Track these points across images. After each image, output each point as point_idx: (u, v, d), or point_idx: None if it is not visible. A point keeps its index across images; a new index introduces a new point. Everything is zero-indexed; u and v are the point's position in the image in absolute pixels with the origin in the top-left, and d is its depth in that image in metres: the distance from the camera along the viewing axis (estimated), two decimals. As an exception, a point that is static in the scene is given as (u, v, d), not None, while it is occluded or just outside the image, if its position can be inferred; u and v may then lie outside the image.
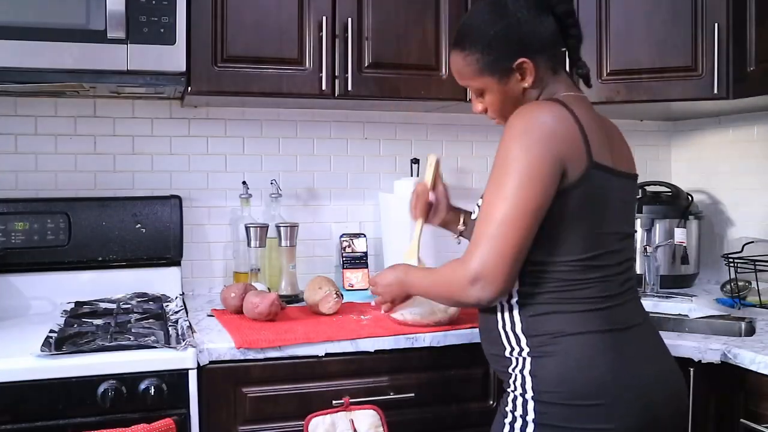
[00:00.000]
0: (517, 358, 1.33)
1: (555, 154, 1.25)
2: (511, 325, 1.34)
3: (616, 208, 1.35)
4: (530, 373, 1.30)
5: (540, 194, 1.24)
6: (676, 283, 2.43)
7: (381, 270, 1.68)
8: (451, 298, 1.37)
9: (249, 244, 2.15)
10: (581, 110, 1.33)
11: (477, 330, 1.78)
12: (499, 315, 1.36)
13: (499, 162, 1.28)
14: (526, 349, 1.31)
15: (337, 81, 2.04)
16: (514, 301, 1.34)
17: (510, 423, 1.31)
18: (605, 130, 1.39)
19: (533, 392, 1.28)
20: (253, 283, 2.06)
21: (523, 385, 1.30)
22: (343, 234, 2.41)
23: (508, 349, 1.35)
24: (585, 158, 1.27)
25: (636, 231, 1.52)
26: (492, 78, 1.39)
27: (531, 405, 1.28)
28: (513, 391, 1.32)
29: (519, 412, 1.30)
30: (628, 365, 1.29)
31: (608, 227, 1.33)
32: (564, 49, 1.44)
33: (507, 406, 1.33)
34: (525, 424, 1.28)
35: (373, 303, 1.76)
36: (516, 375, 1.32)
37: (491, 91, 1.42)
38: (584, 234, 1.30)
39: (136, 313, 1.91)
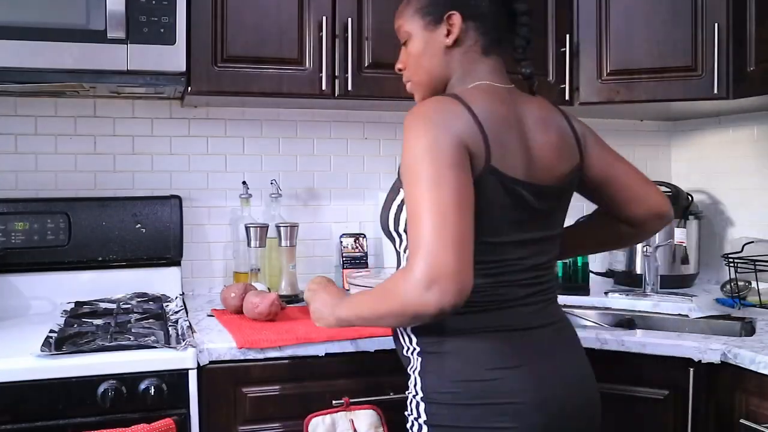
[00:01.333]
0: (410, 357, 1.31)
1: (455, 135, 1.17)
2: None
3: (512, 218, 1.25)
4: (419, 373, 1.28)
5: (457, 172, 1.14)
6: (676, 283, 2.43)
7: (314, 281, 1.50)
8: (403, 315, 1.14)
9: (249, 244, 2.16)
10: (486, 104, 1.25)
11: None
12: None
13: (404, 167, 1.19)
14: (417, 349, 1.29)
15: (337, 81, 2.04)
16: None
17: (410, 427, 1.29)
18: (520, 127, 1.29)
19: (422, 393, 1.26)
20: (253, 283, 2.06)
21: (415, 386, 1.29)
22: (343, 234, 2.41)
23: (405, 347, 1.33)
24: (482, 159, 1.19)
25: (558, 231, 1.36)
26: (422, 21, 1.36)
27: (422, 406, 1.26)
28: (409, 394, 1.31)
29: (414, 414, 1.28)
30: (521, 366, 1.23)
31: (497, 236, 1.24)
32: (507, 42, 1.37)
33: (406, 410, 1.31)
34: (420, 426, 1.26)
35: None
36: (412, 376, 1.31)
37: (416, 37, 1.37)
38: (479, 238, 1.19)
39: (136, 313, 1.92)
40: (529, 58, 1.38)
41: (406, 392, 1.32)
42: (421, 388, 1.27)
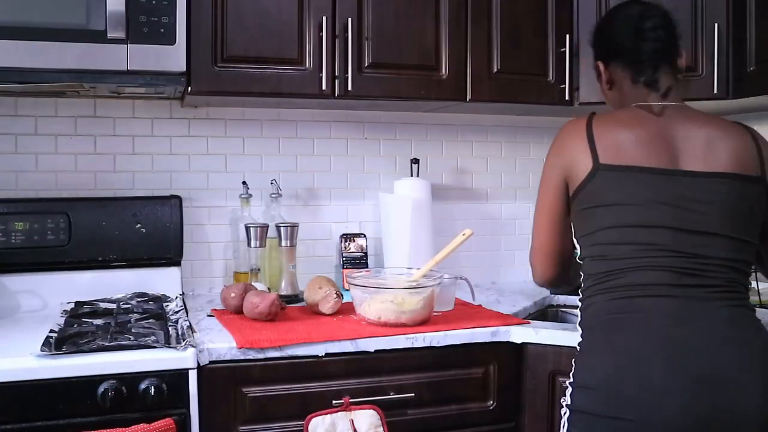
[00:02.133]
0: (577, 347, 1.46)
1: (560, 161, 1.49)
2: (578, 320, 1.49)
3: (647, 202, 1.38)
4: (574, 361, 1.41)
5: (549, 197, 1.51)
6: (676, 283, 2.42)
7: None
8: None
9: (249, 244, 2.16)
10: (617, 119, 1.48)
11: (477, 330, 1.80)
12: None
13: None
14: (580, 339, 1.44)
15: (337, 81, 2.04)
16: (579, 298, 1.49)
17: (563, 413, 1.40)
18: (662, 135, 1.43)
19: (572, 378, 1.39)
20: (253, 283, 2.06)
21: (570, 373, 1.41)
22: (343, 234, 2.41)
23: (578, 339, 1.46)
24: (590, 161, 1.43)
25: (725, 233, 1.38)
26: (595, 74, 1.66)
27: (569, 390, 1.38)
28: (566, 381, 1.43)
29: (567, 400, 1.39)
30: (675, 365, 1.28)
31: (638, 220, 1.37)
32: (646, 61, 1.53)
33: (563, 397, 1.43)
34: (566, 410, 1.39)
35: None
36: (572, 366, 1.43)
37: (602, 76, 1.65)
38: (608, 227, 1.40)
39: (136, 313, 1.92)
40: (653, 68, 1.52)
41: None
42: (573, 374, 1.40)
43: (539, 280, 1.60)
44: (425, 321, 1.84)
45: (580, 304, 1.48)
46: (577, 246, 1.51)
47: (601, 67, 1.61)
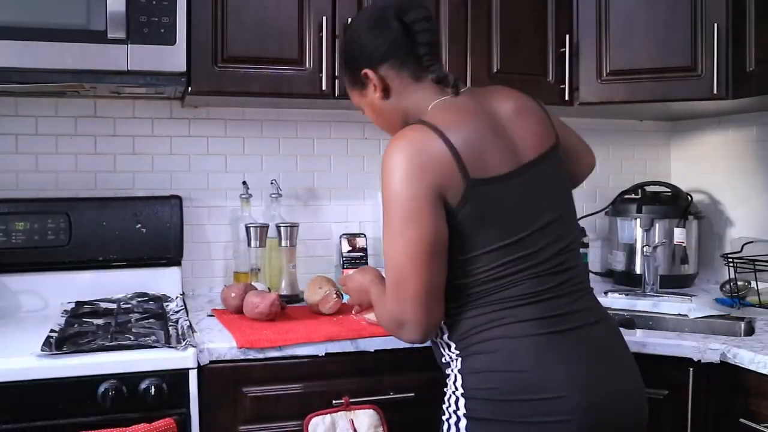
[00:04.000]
0: (450, 360, 1.36)
1: (428, 184, 1.24)
2: (440, 333, 1.37)
3: (519, 211, 1.30)
4: (459, 371, 1.31)
5: (426, 228, 1.24)
6: (675, 283, 2.43)
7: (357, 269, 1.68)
8: (390, 331, 1.35)
9: (249, 244, 2.16)
10: (453, 120, 1.30)
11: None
12: None
13: (383, 202, 1.28)
14: (456, 352, 1.33)
15: (337, 81, 2.04)
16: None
17: (447, 420, 1.33)
18: (492, 124, 1.33)
19: (462, 389, 1.30)
20: (253, 283, 2.06)
21: (455, 383, 1.32)
22: (343, 234, 2.41)
23: (444, 355, 1.38)
24: (461, 180, 1.25)
25: (567, 213, 1.38)
26: (355, 91, 1.47)
27: (462, 401, 1.29)
28: (448, 390, 1.34)
29: (453, 408, 1.31)
30: (563, 362, 1.25)
31: (515, 234, 1.29)
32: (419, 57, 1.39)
33: (444, 404, 1.35)
34: (458, 419, 1.30)
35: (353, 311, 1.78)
36: (450, 374, 1.34)
37: (362, 105, 1.48)
38: (489, 248, 1.28)
39: (136, 313, 1.92)
40: (436, 62, 1.39)
41: (445, 388, 1.36)
42: (461, 385, 1.30)
43: (426, 335, 1.29)
44: None
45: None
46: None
47: (371, 74, 1.40)
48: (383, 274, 1.44)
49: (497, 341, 1.27)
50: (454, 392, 1.32)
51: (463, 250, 1.28)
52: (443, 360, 1.39)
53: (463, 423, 1.29)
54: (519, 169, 1.31)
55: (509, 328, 1.27)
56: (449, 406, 1.32)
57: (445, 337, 1.36)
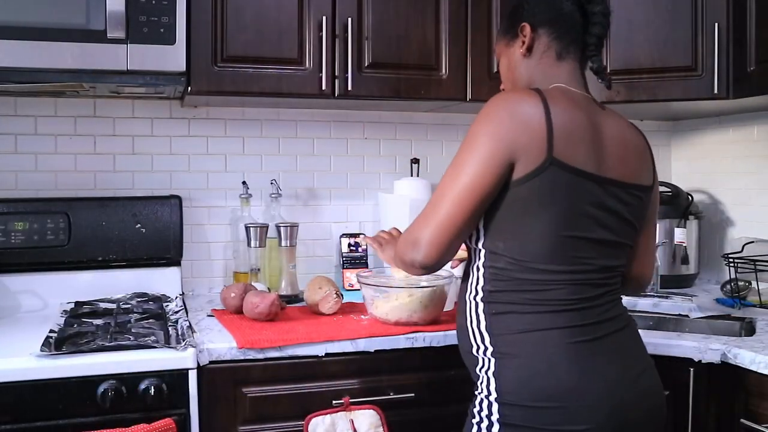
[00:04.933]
0: (483, 358, 1.34)
1: (509, 142, 1.26)
2: (477, 322, 1.35)
3: (585, 213, 1.30)
4: (493, 374, 1.31)
5: (488, 176, 1.26)
6: (676, 283, 2.43)
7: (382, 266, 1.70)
8: (396, 256, 1.38)
9: (249, 244, 2.16)
10: (565, 105, 1.31)
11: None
12: (467, 311, 1.37)
13: (464, 140, 1.32)
14: (491, 349, 1.32)
15: (337, 81, 2.04)
16: (479, 298, 1.35)
17: (477, 423, 1.32)
18: (595, 132, 1.34)
19: (496, 394, 1.29)
20: (253, 283, 2.06)
21: (488, 386, 1.31)
22: (343, 234, 2.41)
23: (475, 346, 1.36)
24: (543, 152, 1.26)
25: (627, 243, 1.40)
26: (504, 40, 1.49)
27: (495, 407, 1.29)
28: (479, 393, 1.34)
29: (485, 412, 1.31)
30: (594, 371, 1.27)
31: (572, 230, 1.29)
32: (582, 44, 1.43)
33: (475, 407, 1.34)
34: (491, 424, 1.29)
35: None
36: (482, 377, 1.34)
37: (502, 57, 1.50)
38: (541, 231, 1.28)
39: (136, 313, 1.91)
40: (598, 54, 1.43)
41: (476, 391, 1.35)
42: (495, 389, 1.30)
43: (430, 262, 1.30)
44: (436, 320, 1.83)
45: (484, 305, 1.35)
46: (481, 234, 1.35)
47: (527, 30, 1.42)
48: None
49: (533, 347, 1.28)
50: (487, 396, 1.31)
51: (517, 221, 1.29)
52: (473, 351, 1.36)
53: (495, 428, 1.28)
54: (599, 177, 1.32)
55: (547, 334, 1.28)
56: (481, 410, 1.32)
57: (482, 326, 1.34)
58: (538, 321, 1.28)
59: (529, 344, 1.28)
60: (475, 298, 1.36)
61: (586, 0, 1.41)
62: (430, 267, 1.32)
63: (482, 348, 1.34)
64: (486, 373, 1.32)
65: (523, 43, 1.43)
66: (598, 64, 1.43)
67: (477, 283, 1.36)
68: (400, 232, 1.64)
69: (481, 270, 1.35)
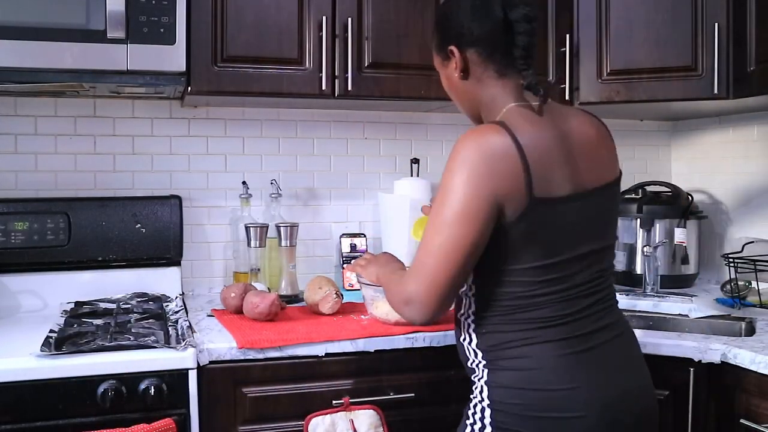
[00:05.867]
0: (477, 368, 1.36)
1: (491, 194, 1.24)
2: (469, 339, 1.38)
3: (568, 235, 1.30)
4: (486, 383, 1.33)
5: (473, 233, 1.24)
6: (676, 283, 2.43)
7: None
8: (392, 306, 1.39)
9: (249, 244, 2.15)
10: (530, 130, 1.29)
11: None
12: (461, 329, 1.41)
13: (441, 190, 1.28)
14: (483, 362, 1.34)
15: (337, 81, 2.04)
16: (470, 320, 1.37)
17: (471, 425, 1.33)
18: (564, 144, 1.32)
19: (489, 401, 1.31)
20: (253, 283, 2.06)
21: (482, 393, 1.33)
22: (343, 234, 2.41)
23: (470, 359, 1.38)
24: (525, 196, 1.25)
25: (610, 243, 1.41)
26: (438, 57, 1.45)
27: (488, 411, 1.31)
28: (474, 398, 1.35)
29: (479, 416, 1.32)
30: (585, 381, 1.28)
31: (558, 255, 1.30)
32: (512, 56, 1.35)
33: (470, 410, 1.35)
34: (484, 426, 1.31)
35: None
36: (477, 383, 1.35)
37: (440, 73, 1.47)
38: (529, 265, 1.29)
39: (136, 313, 1.91)
40: (529, 67, 1.34)
41: (471, 395, 1.37)
42: (488, 396, 1.31)
43: (428, 319, 1.29)
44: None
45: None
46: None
47: (456, 53, 1.37)
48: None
49: (526, 360, 1.29)
50: (480, 401, 1.33)
51: (506, 262, 1.29)
52: (468, 363, 1.40)
53: (488, 430, 1.30)
54: (578, 194, 1.31)
55: (537, 347, 1.29)
56: (475, 413, 1.33)
57: (473, 344, 1.36)
58: (528, 337, 1.30)
59: (519, 358, 1.30)
60: (466, 320, 1.39)
61: (508, 6, 1.33)
62: (430, 322, 1.31)
63: (476, 361, 1.37)
64: (480, 380, 1.35)
65: (456, 66, 1.39)
66: (530, 80, 1.33)
67: (468, 307, 1.38)
68: (372, 254, 1.71)
69: (471, 298, 1.37)
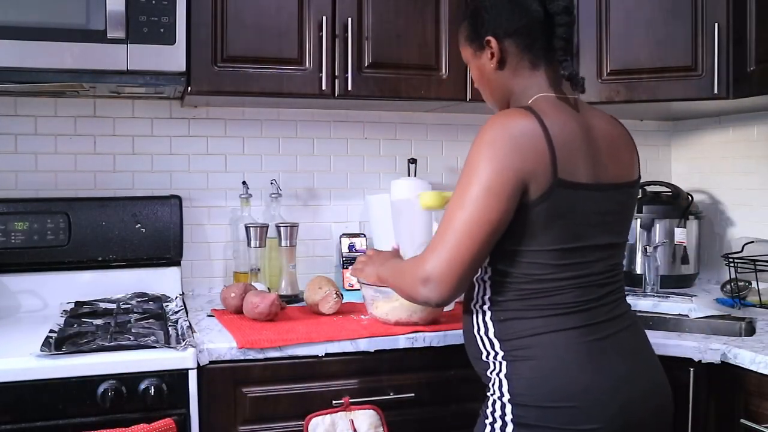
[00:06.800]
0: (493, 362, 1.35)
1: (518, 171, 1.24)
2: (484, 329, 1.36)
3: (588, 222, 1.32)
4: (506, 376, 1.31)
5: (497, 209, 1.24)
6: (676, 283, 2.43)
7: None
8: (404, 292, 1.37)
9: (249, 244, 2.16)
10: (556, 117, 1.31)
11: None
12: (474, 319, 1.39)
13: (466, 169, 1.28)
14: (501, 353, 1.33)
15: (337, 81, 2.04)
16: (486, 306, 1.36)
17: (491, 424, 1.32)
18: (588, 137, 1.34)
19: (509, 395, 1.30)
20: (253, 283, 2.06)
21: (500, 388, 1.32)
22: (343, 234, 2.41)
23: (485, 353, 1.37)
24: (549, 175, 1.26)
25: (625, 240, 1.45)
26: (470, 48, 1.46)
27: (509, 407, 1.30)
28: (492, 395, 1.34)
29: (498, 413, 1.31)
30: (604, 369, 1.29)
31: (577, 241, 1.31)
32: (551, 48, 1.37)
33: (488, 408, 1.34)
34: (504, 424, 1.30)
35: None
36: (494, 378, 1.34)
37: (471, 64, 1.48)
38: (548, 248, 1.29)
39: (136, 313, 1.91)
40: (569, 58, 1.37)
41: (488, 392, 1.35)
42: (508, 390, 1.30)
43: (446, 299, 1.28)
44: (436, 320, 1.83)
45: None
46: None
47: (494, 43, 1.39)
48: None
49: (545, 348, 1.29)
50: (500, 398, 1.31)
51: (522, 242, 1.29)
52: (483, 357, 1.37)
53: (509, 428, 1.29)
54: (600, 185, 1.33)
55: (558, 335, 1.29)
56: (494, 411, 1.32)
57: (490, 333, 1.35)
58: (548, 324, 1.30)
59: (540, 346, 1.29)
60: (481, 307, 1.37)
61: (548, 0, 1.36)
62: (446, 303, 1.30)
63: (492, 353, 1.35)
64: (498, 375, 1.33)
65: (492, 55, 1.40)
66: (569, 71, 1.36)
67: (482, 293, 1.37)
68: (373, 250, 1.71)
69: (487, 282, 1.36)
